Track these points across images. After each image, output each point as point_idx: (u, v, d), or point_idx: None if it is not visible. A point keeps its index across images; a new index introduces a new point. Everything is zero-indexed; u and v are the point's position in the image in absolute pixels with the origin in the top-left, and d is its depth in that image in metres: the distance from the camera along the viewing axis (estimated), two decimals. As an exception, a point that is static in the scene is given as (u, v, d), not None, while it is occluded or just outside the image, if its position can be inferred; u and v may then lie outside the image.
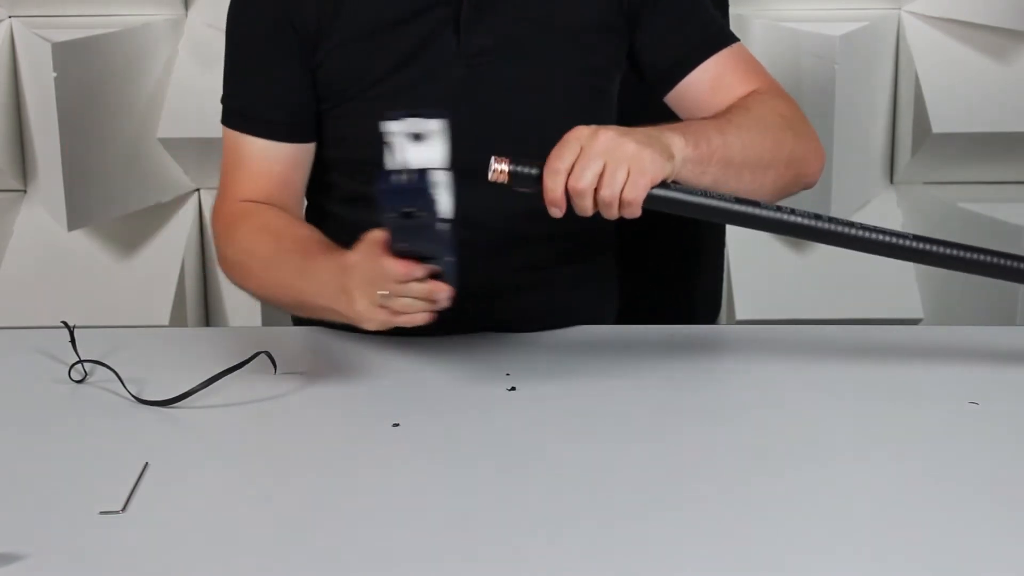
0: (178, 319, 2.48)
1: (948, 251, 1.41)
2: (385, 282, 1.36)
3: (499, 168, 1.39)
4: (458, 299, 1.70)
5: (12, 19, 2.43)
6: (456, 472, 1.30)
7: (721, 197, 1.38)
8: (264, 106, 1.63)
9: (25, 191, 2.54)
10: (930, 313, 2.46)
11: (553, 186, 1.36)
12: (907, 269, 2.48)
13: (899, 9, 2.42)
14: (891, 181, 2.51)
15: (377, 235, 1.35)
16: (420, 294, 1.36)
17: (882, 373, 1.44)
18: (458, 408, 1.42)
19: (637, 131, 1.38)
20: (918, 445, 1.35)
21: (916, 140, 2.40)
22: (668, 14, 1.64)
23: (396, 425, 1.38)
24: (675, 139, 1.41)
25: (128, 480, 1.27)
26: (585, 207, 1.36)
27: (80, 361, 1.53)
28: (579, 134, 1.37)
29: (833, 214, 2.40)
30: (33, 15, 2.44)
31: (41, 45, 2.30)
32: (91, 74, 2.36)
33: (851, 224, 1.38)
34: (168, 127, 2.42)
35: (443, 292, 1.36)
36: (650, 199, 1.37)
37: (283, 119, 1.63)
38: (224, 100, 1.66)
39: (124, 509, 1.23)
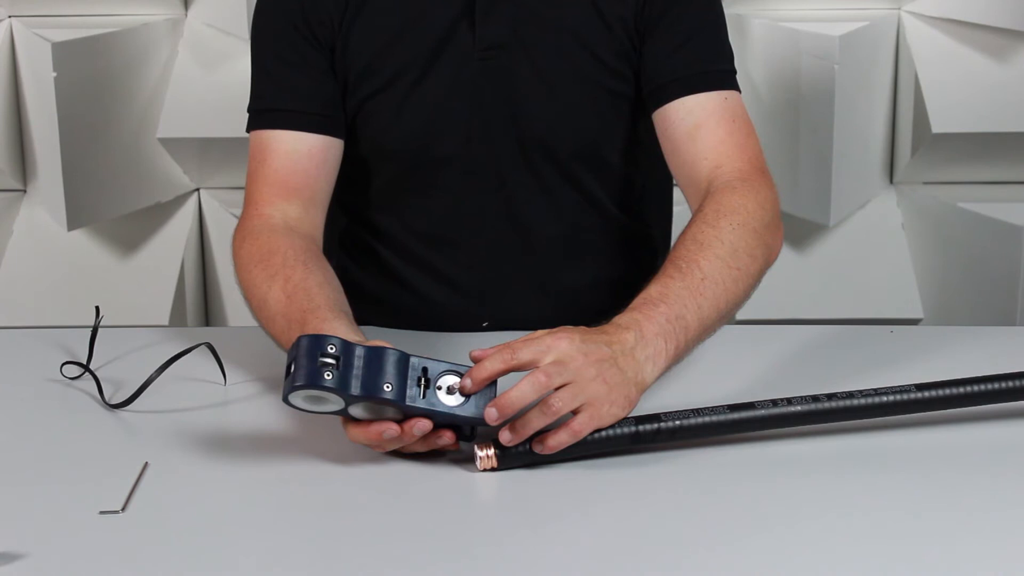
0: (178, 319, 2.48)
1: (954, 391, 1.35)
2: (365, 444, 1.30)
3: (484, 455, 1.29)
4: (458, 298, 1.71)
5: (12, 19, 2.43)
6: (454, 470, 1.30)
7: (714, 412, 1.31)
8: (289, 99, 1.62)
9: (25, 191, 2.54)
10: (930, 313, 2.46)
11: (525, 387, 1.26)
12: (907, 269, 2.48)
13: (899, 9, 2.42)
14: (891, 181, 2.51)
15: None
16: (421, 450, 1.31)
17: (882, 373, 1.44)
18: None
19: (616, 364, 1.30)
20: (918, 445, 1.35)
21: (916, 140, 2.40)
22: (675, 33, 1.61)
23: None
24: (657, 356, 1.33)
25: (128, 480, 1.27)
26: (530, 417, 1.27)
27: (67, 363, 1.53)
28: (558, 352, 1.28)
29: (833, 214, 2.42)
30: (33, 15, 2.44)
31: (41, 45, 2.30)
32: (91, 74, 2.36)
33: (851, 395, 1.34)
34: (168, 127, 2.42)
35: (441, 440, 1.29)
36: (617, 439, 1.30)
37: (308, 109, 1.61)
38: (249, 108, 1.65)
39: (124, 509, 1.23)
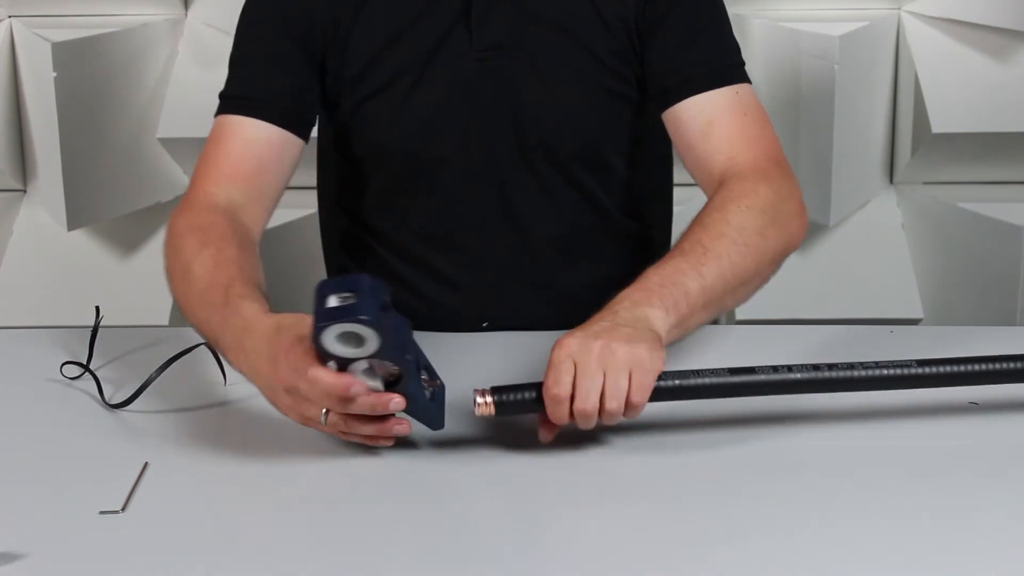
0: (178, 319, 2.48)
1: (955, 368, 1.36)
2: (320, 400, 1.27)
3: (483, 401, 1.30)
4: (459, 297, 1.72)
5: (12, 19, 2.43)
6: (455, 469, 1.31)
7: (714, 373, 1.33)
8: (257, 89, 1.61)
9: (25, 191, 2.54)
10: (930, 313, 2.46)
11: (560, 414, 1.28)
12: (907, 269, 2.48)
13: (899, 9, 2.42)
14: (891, 181, 2.51)
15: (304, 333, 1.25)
16: (369, 432, 1.30)
17: (882, 373, 1.44)
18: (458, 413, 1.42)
19: (620, 328, 1.30)
20: (917, 445, 1.35)
21: (916, 140, 2.40)
22: (680, 32, 1.61)
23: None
24: (656, 315, 1.33)
25: (128, 480, 1.27)
26: (590, 424, 1.29)
27: (67, 363, 1.53)
28: (568, 350, 1.28)
29: (833, 214, 2.42)
30: (33, 15, 2.44)
31: (41, 45, 2.30)
32: (91, 74, 2.36)
33: (851, 366, 1.34)
34: (168, 127, 2.42)
35: (400, 427, 1.30)
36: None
37: (274, 100, 1.60)
38: (220, 95, 1.64)
39: (124, 509, 1.23)
